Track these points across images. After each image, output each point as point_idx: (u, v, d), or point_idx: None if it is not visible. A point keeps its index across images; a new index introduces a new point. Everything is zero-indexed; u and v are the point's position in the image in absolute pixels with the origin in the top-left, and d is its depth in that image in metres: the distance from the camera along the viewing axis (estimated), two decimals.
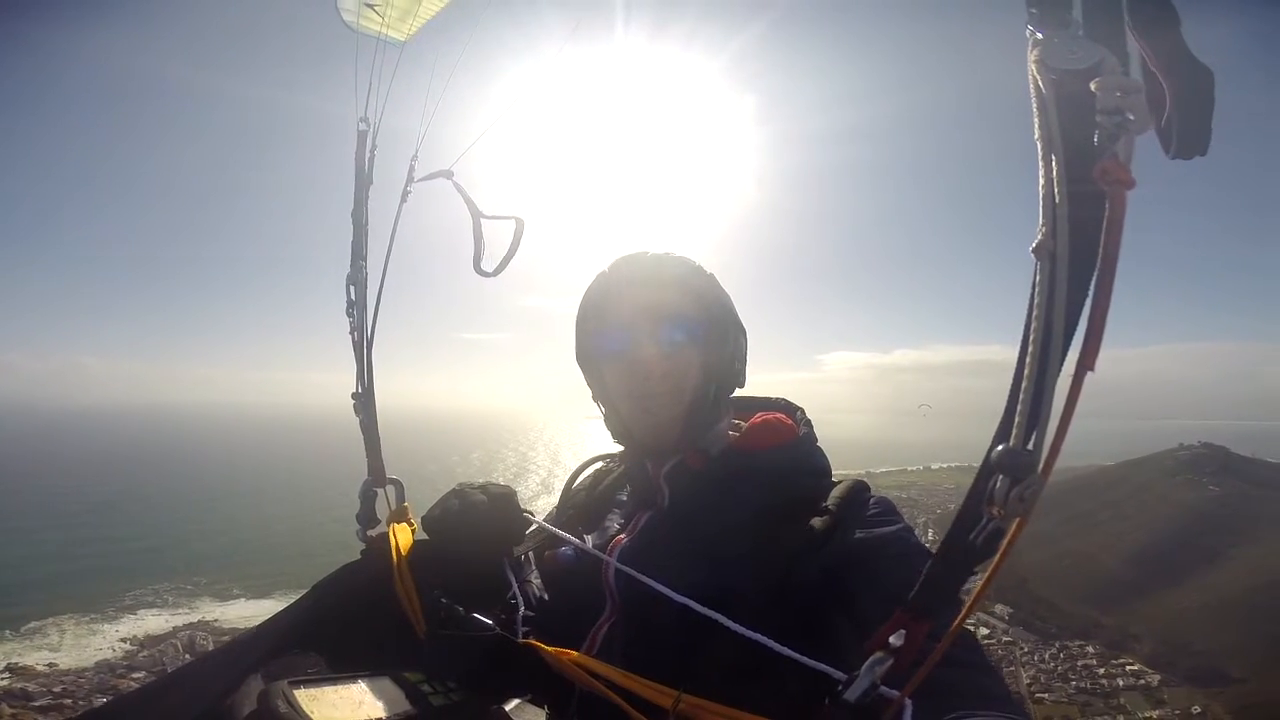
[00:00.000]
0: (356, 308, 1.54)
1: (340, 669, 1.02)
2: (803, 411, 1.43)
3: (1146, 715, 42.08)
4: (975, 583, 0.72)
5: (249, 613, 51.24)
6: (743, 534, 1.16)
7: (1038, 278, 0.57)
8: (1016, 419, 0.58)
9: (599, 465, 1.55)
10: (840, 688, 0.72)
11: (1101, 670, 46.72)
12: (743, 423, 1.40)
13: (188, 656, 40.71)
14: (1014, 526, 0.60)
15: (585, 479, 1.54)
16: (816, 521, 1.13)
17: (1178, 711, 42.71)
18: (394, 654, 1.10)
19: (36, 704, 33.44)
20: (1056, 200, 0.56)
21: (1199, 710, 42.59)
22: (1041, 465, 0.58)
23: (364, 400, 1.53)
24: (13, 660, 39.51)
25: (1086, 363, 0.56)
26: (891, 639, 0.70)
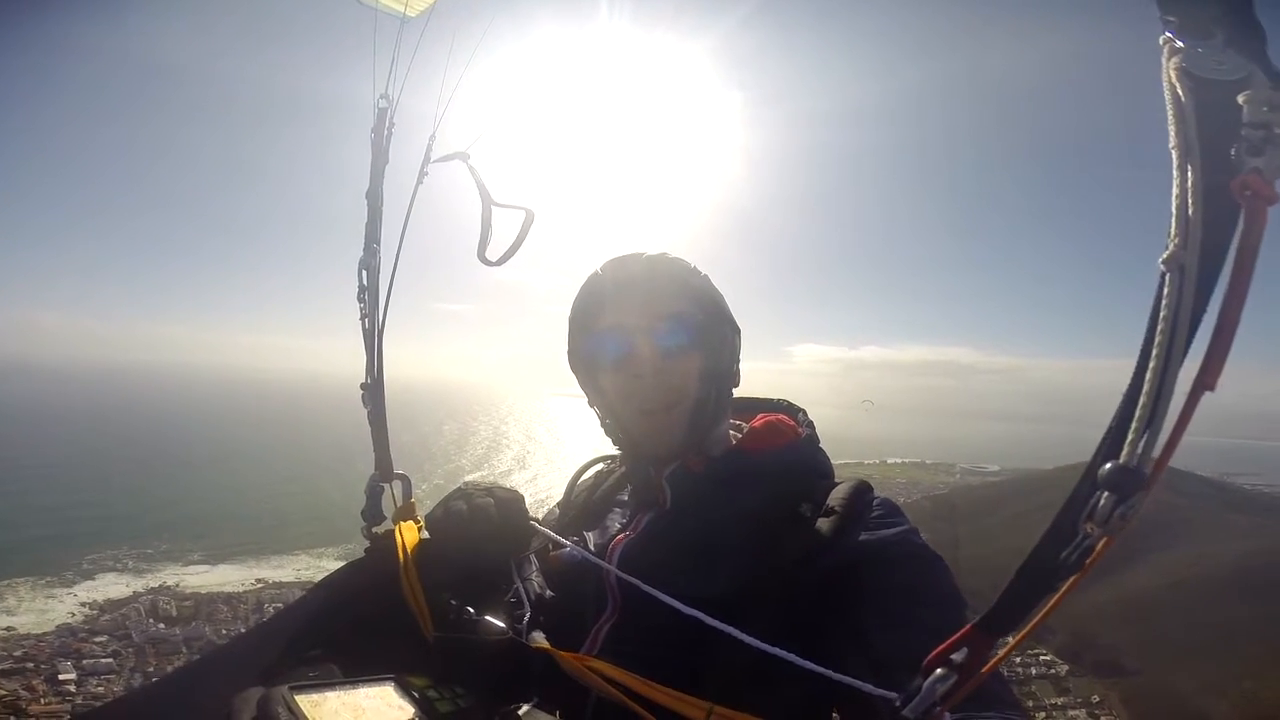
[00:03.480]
0: (369, 294, 1.47)
1: (345, 671, 0.98)
2: (805, 413, 1.40)
3: (1052, 702, 44.81)
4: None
5: (213, 579, 50.44)
6: (746, 534, 1.14)
7: (1166, 290, 0.53)
8: (1130, 435, 0.54)
9: (600, 467, 1.52)
10: (898, 704, 0.69)
11: (1018, 659, 49.84)
12: (744, 424, 1.37)
13: (151, 620, 40.15)
14: (1102, 544, 0.57)
15: (586, 480, 1.51)
16: (821, 523, 1.10)
17: (1079, 700, 45.87)
18: (401, 656, 1.03)
19: None
20: (1190, 212, 0.53)
21: (1098, 699, 45.61)
22: (1148, 483, 0.54)
23: (373, 391, 1.46)
24: None
25: (1206, 381, 0.53)
26: (954, 655, 0.66)
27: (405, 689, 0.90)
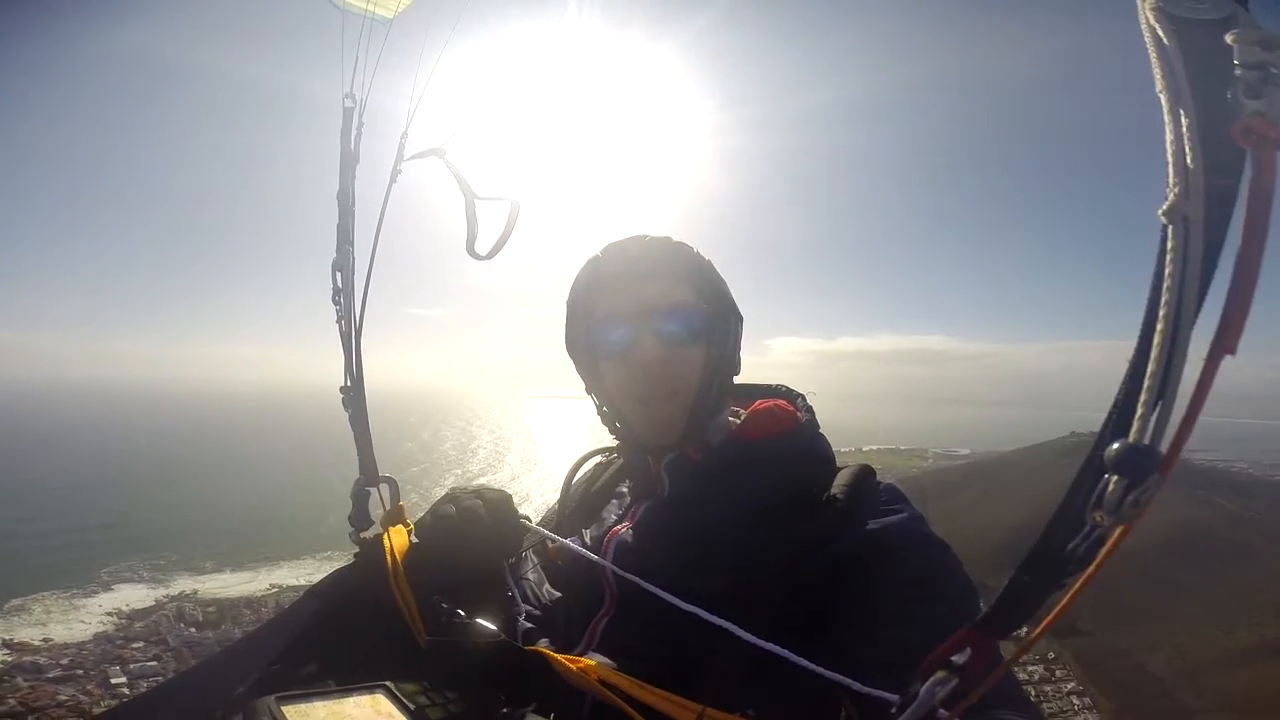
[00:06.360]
0: (344, 295, 1.42)
1: (336, 678, 0.94)
2: (804, 398, 1.33)
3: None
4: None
5: (228, 586, 51.05)
6: (746, 524, 1.08)
7: (1170, 244, 0.46)
8: (1139, 410, 0.46)
9: (598, 459, 1.46)
10: (894, 710, 0.61)
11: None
12: (742, 410, 1.29)
13: (181, 625, 40.74)
14: (1117, 534, 0.48)
15: (584, 474, 1.46)
16: (826, 511, 1.04)
17: (1036, 656, 50.44)
18: (393, 662, 1.00)
19: (49, 676, 33.07)
20: (1189, 159, 0.46)
21: (1053, 656, 48.19)
22: (1164, 464, 0.45)
23: (353, 394, 1.41)
24: (5, 637, 38.46)
25: (1225, 345, 0.45)
26: (955, 656, 0.59)
27: (395, 696, 0.86)
